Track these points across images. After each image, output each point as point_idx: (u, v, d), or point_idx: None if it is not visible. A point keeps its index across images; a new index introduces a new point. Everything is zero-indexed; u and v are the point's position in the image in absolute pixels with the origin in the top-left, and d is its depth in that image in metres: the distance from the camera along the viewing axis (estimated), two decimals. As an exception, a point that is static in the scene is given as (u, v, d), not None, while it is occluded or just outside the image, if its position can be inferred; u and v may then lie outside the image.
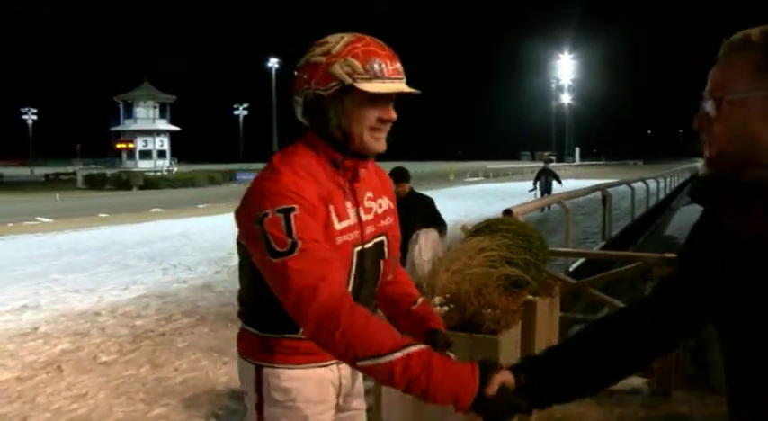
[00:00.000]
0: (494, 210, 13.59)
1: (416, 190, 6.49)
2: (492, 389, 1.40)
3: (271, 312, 1.72)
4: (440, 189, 32.06)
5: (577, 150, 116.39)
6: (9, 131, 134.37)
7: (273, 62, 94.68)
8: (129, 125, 60.10)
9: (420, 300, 2.06)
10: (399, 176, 6.00)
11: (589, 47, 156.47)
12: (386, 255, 1.91)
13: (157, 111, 61.29)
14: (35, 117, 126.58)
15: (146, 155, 60.16)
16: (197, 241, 14.42)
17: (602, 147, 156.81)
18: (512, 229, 4.02)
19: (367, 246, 1.82)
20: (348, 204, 1.77)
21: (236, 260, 1.92)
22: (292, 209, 1.60)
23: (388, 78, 1.72)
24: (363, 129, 1.73)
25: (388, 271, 1.96)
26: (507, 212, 5.20)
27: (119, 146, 61.88)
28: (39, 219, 20.28)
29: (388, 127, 1.77)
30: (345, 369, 1.90)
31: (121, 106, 60.95)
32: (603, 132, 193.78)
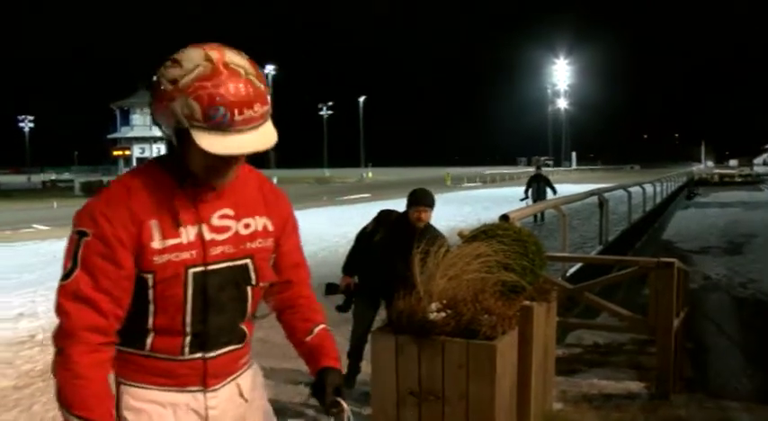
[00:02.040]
0: (491, 215, 13.63)
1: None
2: None
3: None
4: (437, 195, 31.80)
5: (574, 155, 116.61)
6: (6, 139, 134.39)
7: (270, 69, 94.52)
8: (125, 132, 60.14)
9: (317, 328, 1.89)
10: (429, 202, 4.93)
11: (585, 52, 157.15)
12: (253, 281, 1.75)
13: (154, 118, 61.31)
14: (32, 125, 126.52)
15: (142, 162, 60.20)
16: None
17: (599, 152, 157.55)
18: (508, 235, 4.03)
19: (213, 267, 1.67)
20: (182, 221, 1.64)
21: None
22: (86, 233, 1.58)
23: (234, 130, 1.52)
24: (203, 169, 1.62)
25: (258, 298, 1.80)
26: (504, 218, 5.21)
27: (115, 153, 61.87)
28: (35, 226, 20.24)
29: (235, 166, 1.63)
30: (217, 399, 1.76)
31: (118, 113, 61.00)
32: (600, 137, 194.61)
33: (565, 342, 6.28)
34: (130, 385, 1.69)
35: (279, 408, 4.49)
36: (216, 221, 1.68)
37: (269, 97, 1.59)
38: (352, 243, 5.27)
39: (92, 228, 1.58)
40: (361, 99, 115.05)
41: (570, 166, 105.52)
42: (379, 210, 5.13)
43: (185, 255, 1.63)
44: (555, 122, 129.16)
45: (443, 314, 3.27)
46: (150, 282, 1.62)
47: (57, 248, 14.85)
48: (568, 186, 31.30)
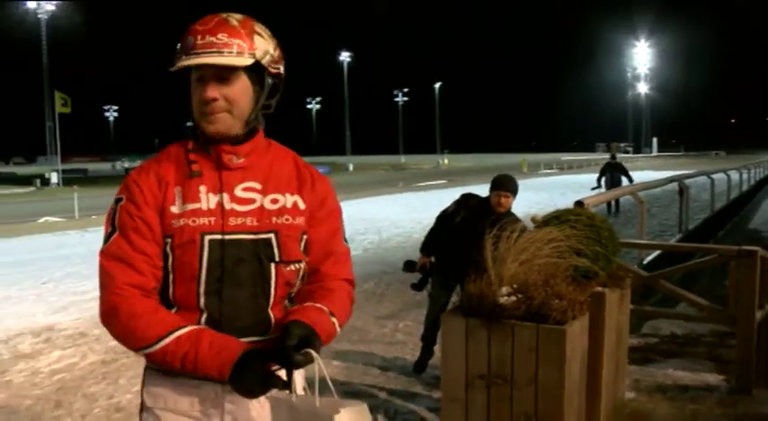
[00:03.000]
0: (566, 201, 13.40)
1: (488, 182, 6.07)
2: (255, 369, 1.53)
3: None
4: (511, 181, 31.36)
5: (655, 141, 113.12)
6: (92, 128, 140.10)
7: (345, 56, 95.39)
8: (205, 119, 61.72)
9: (310, 304, 1.71)
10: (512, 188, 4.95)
11: (667, 33, 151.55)
12: (277, 257, 1.69)
13: (231, 105, 62.70)
14: (116, 114, 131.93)
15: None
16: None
17: (682, 138, 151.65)
18: (580, 220, 3.99)
19: (231, 237, 1.65)
20: (203, 188, 1.68)
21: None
22: (121, 199, 1.69)
23: (194, 53, 1.63)
24: (197, 113, 1.69)
25: (284, 279, 1.71)
26: (578, 203, 5.14)
27: (195, 140, 63.59)
28: (121, 211, 21.01)
29: (214, 109, 1.66)
30: (235, 394, 1.58)
31: (195, 101, 62.69)
32: (683, 122, 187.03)
33: (641, 331, 6.16)
34: (153, 369, 1.70)
35: (350, 392, 4.61)
36: (239, 192, 1.69)
37: (253, 40, 1.67)
38: (427, 229, 5.32)
39: (125, 194, 1.69)
40: (437, 85, 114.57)
41: (651, 153, 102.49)
42: (461, 193, 5.17)
43: (203, 221, 1.65)
44: (635, 107, 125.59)
45: (514, 298, 3.27)
46: (169, 248, 1.65)
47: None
48: (649, 173, 30.43)
